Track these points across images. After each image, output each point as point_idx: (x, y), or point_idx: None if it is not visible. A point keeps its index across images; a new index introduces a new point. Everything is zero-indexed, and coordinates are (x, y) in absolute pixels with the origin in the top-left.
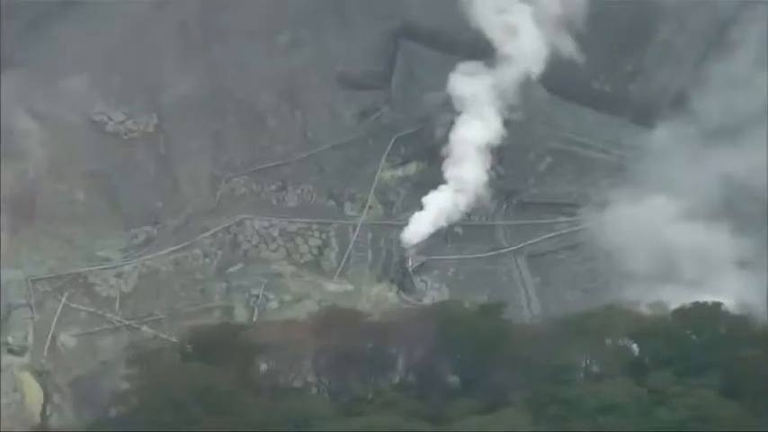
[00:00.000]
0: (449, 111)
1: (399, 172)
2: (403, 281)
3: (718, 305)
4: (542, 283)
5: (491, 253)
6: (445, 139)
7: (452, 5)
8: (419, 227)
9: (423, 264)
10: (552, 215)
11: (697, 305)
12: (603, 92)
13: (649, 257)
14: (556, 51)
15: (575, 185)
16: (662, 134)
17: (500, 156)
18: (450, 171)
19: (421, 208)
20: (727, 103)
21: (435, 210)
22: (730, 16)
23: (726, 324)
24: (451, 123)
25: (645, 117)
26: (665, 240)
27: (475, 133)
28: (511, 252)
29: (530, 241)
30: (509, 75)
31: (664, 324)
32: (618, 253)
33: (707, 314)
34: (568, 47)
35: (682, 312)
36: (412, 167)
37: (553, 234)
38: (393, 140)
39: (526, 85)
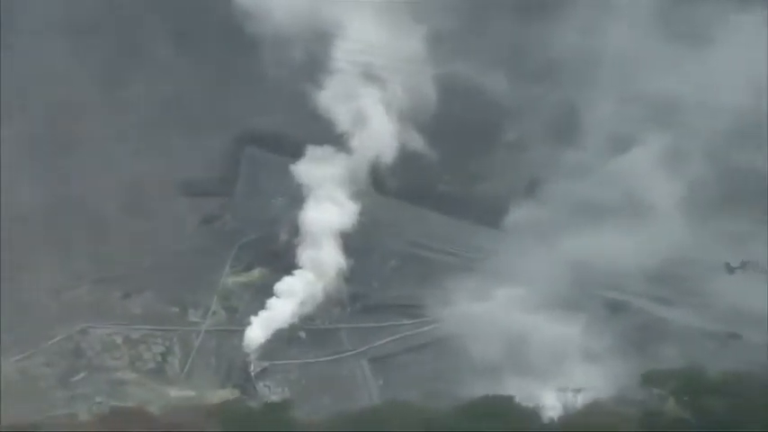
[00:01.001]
0: (293, 216)
1: (242, 278)
2: (245, 386)
3: (509, 398)
4: (385, 385)
5: (334, 356)
6: (289, 245)
7: (295, 111)
8: (260, 331)
9: (265, 368)
10: (396, 318)
11: (486, 398)
12: (449, 193)
13: (497, 352)
14: (402, 150)
15: (419, 288)
16: (509, 230)
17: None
18: (303, 256)
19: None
20: (577, 193)
21: (277, 312)
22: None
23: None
24: (296, 228)
25: (490, 217)
26: (513, 335)
27: (324, 216)
28: (354, 355)
29: (373, 344)
30: (357, 164)
31: (446, 419)
32: (464, 351)
33: (495, 408)
34: (415, 144)
35: (470, 406)
36: (255, 273)
37: (397, 336)
38: (237, 247)
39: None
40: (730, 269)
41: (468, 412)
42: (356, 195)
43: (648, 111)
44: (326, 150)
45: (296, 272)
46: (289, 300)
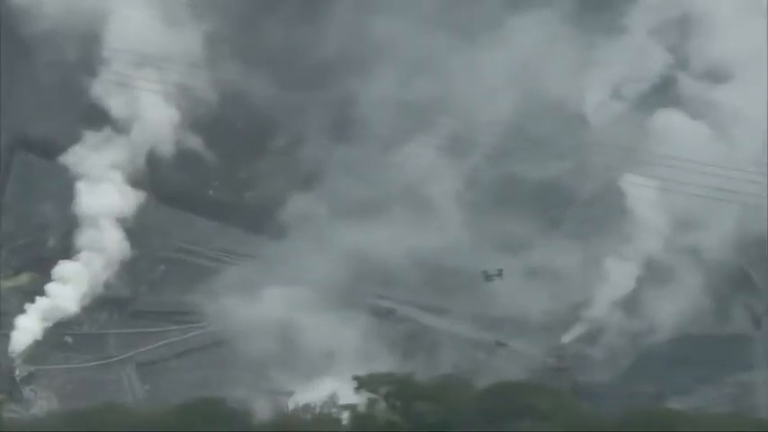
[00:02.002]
0: (64, 220)
1: (11, 282)
2: (11, 390)
3: (220, 401)
4: (152, 390)
5: (100, 362)
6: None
7: (64, 115)
8: (24, 334)
9: (31, 373)
10: (164, 323)
11: (200, 401)
12: (217, 200)
13: (265, 354)
14: (173, 154)
15: (187, 293)
16: (282, 234)
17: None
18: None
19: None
20: (352, 193)
21: (41, 316)
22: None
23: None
24: (68, 232)
25: (261, 221)
26: (282, 337)
27: (100, 201)
28: (120, 360)
29: (139, 350)
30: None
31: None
32: (232, 355)
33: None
34: (190, 146)
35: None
36: (24, 278)
37: (164, 342)
38: (5, 251)
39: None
40: (488, 277)
41: (181, 414)
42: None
43: (423, 110)
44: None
45: (74, 259)
46: (60, 299)
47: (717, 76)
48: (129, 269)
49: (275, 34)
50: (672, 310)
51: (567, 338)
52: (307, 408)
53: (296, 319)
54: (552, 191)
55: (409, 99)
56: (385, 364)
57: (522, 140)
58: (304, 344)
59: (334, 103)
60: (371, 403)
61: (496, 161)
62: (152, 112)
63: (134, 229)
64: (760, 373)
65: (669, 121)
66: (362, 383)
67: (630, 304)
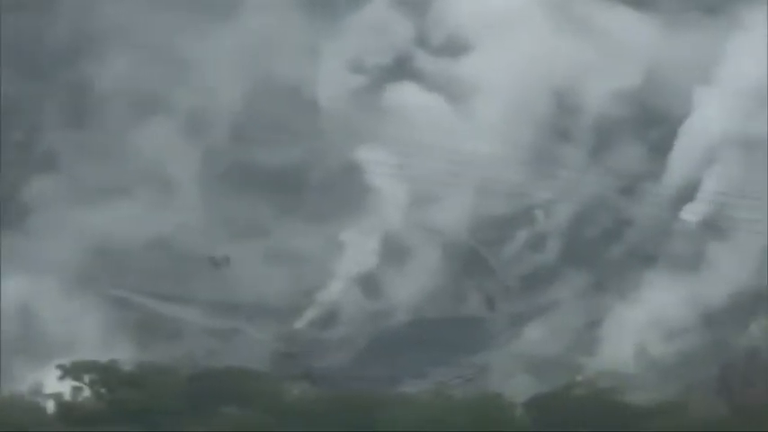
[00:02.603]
0: None
1: None
2: None
3: None
4: None
5: None
6: None
7: None
8: None
9: None
10: None
11: None
12: None
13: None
14: None
15: None
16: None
17: None
18: None
19: None
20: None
21: None
22: None
23: None
24: None
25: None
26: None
27: None
28: None
29: None
30: None
31: None
32: None
33: None
34: None
35: None
36: None
37: None
38: None
39: None
40: (215, 263)
41: None
42: None
43: (158, 95)
44: None
45: None
46: None
47: (454, 48)
48: None
49: (5, 23)
50: (408, 292)
51: (299, 324)
52: (12, 398)
53: (33, 308)
54: (289, 174)
55: (144, 84)
56: (121, 351)
57: (258, 124)
58: (39, 332)
59: (68, 89)
60: (76, 391)
61: (233, 146)
62: None
63: None
64: (492, 354)
65: (407, 96)
66: (66, 372)
67: (366, 288)
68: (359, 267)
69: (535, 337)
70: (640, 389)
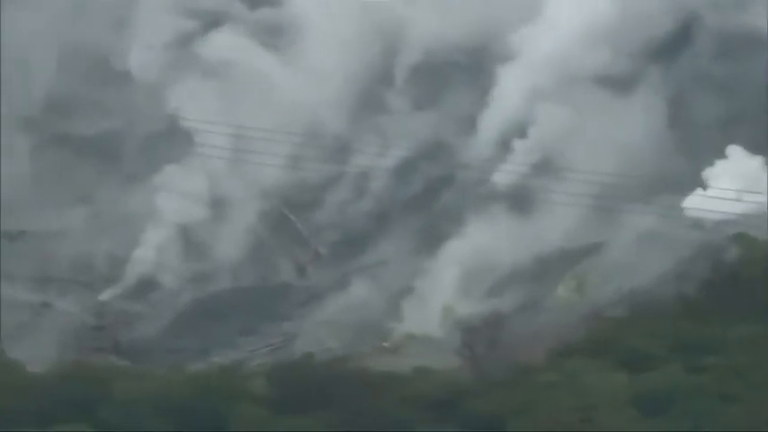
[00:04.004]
0: None
1: None
2: None
3: None
4: None
5: None
6: None
7: None
8: None
9: None
10: None
11: None
12: None
13: None
14: None
15: None
16: None
17: None
18: None
19: None
20: None
21: None
22: None
23: None
24: None
25: None
26: None
27: None
28: None
29: None
30: None
31: None
32: None
33: None
34: None
35: None
36: None
37: None
38: None
39: None
40: (11, 238)
41: None
42: None
43: None
44: None
45: None
46: None
47: None
48: None
49: None
50: (222, 259)
51: (107, 295)
52: None
53: None
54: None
55: None
56: None
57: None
58: None
59: None
60: None
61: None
62: None
63: None
64: (303, 321)
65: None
66: None
67: (180, 256)
68: (172, 236)
69: (349, 302)
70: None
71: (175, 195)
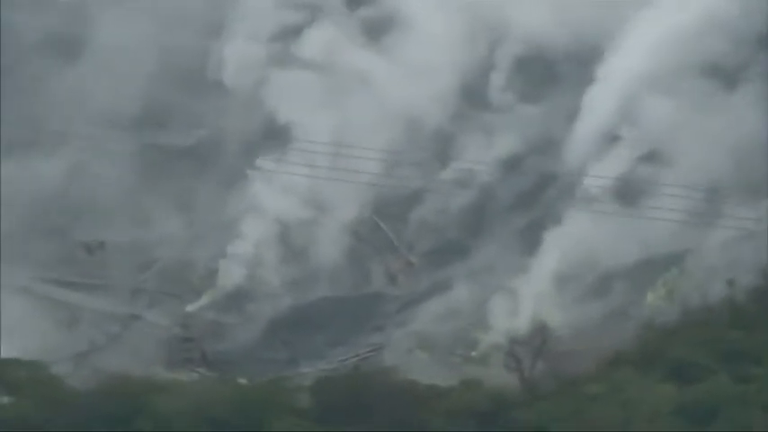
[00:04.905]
0: None
1: None
2: None
3: None
4: None
5: None
6: None
7: None
8: None
9: None
10: None
11: None
12: None
13: None
14: None
15: None
16: None
17: None
18: None
19: None
20: None
21: None
22: None
23: None
24: None
25: None
26: None
27: None
28: None
29: None
30: None
31: None
32: None
33: None
34: None
35: None
36: None
37: None
38: None
39: None
40: (89, 249)
41: None
42: None
43: None
44: None
45: None
46: None
47: None
48: None
49: None
50: (306, 271)
51: (197, 306)
52: None
53: None
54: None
55: None
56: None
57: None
58: None
59: None
60: None
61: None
62: None
63: None
64: (392, 332)
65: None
66: None
67: (265, 267)
68: (255, 248)
69: (441, 311)
70: None
71: (272, 196)
